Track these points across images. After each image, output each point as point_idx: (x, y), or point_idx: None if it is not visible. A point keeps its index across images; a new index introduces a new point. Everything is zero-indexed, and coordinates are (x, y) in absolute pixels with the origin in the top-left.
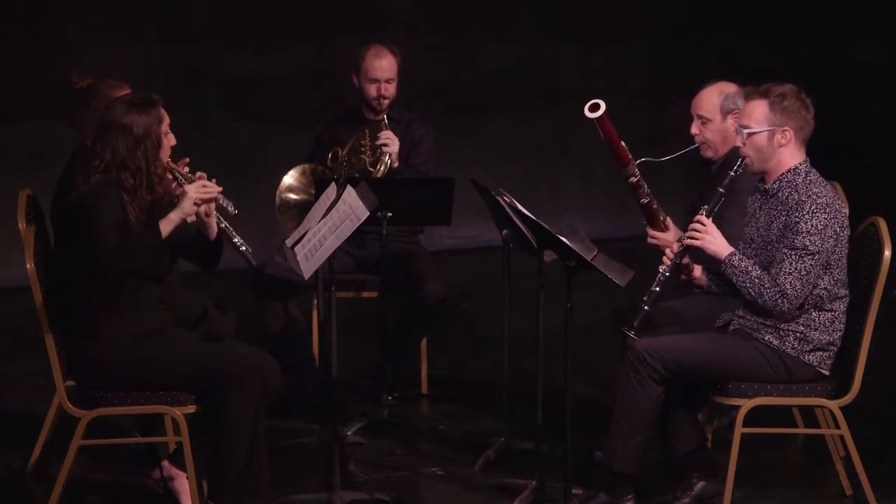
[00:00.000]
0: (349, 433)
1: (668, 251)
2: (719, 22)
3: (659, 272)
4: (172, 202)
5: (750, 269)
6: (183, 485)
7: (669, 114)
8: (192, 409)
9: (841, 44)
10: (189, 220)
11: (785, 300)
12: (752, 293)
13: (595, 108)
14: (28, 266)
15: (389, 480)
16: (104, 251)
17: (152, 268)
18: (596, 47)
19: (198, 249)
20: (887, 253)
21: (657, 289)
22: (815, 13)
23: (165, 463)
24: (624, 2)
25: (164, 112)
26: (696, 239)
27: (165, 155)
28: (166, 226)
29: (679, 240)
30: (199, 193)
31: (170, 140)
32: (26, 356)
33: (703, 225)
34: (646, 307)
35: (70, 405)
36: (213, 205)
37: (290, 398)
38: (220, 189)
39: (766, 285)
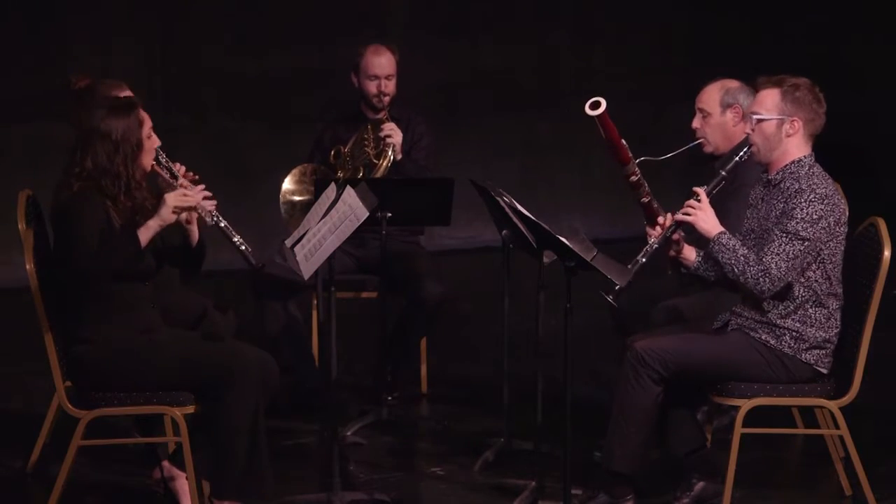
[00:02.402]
0: (349, 433)
1: (659, 220)
2: (719, 22)
3: (647, 243)
4: (156, 206)
5: (738, 247)
6: (183, 485)
7: (669, 114)
8: (191, 409)
9: (841, 44)
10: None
11: (767, 279)
12: (736, 270)
13: (596, 105)
14: (28, 266)
15: (389, 480)
16: (83, 258)
17: (138, 267)
18: (596, 47)
19: (181, 255)
20: (887, 253)
21: (643, 259)
22: (815, 13)
23: (165, 463)
24: (624, 2)
25: (144, 115)
26: (689, 215)
27: (150, 158)
28: (145, 233)
29: (672, 213)
30: (178, 202)
31: (153, 142)
32: (26, 356)
33: (699, 201)
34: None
35: (70, 405)
36: (193, 213)
37: (290, 398)
38: (202, 197)
39: (751, 263)
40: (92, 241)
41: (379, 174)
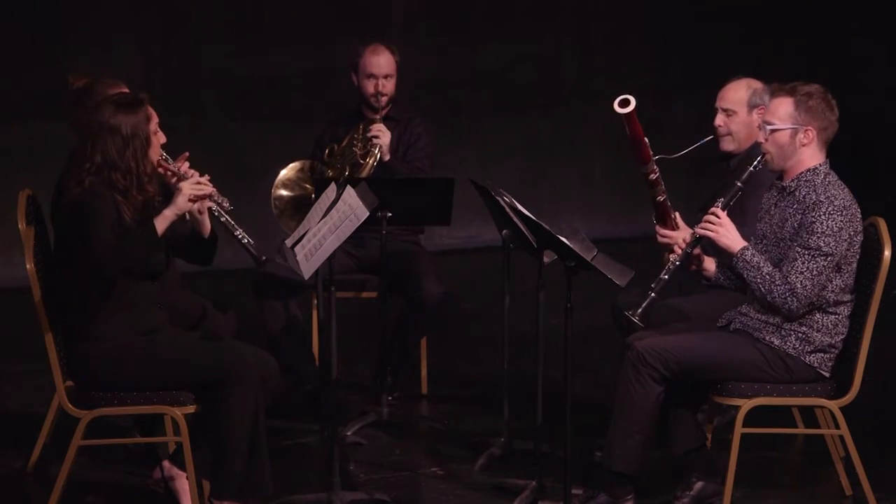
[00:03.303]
0: (349, 433)
1: (679, 241)
2: (719, 22)
3: (670, 261)
4: (165, 201)
5: (762, 265)
6: (183, 485)
7: (669, 114)
8: (191, 409)
9: (841, 44)
10: (188, 216)
11: (794, 299)
12: (762, 289)
13: (625, 103)
14: (28, 266)
15: (389, 480)
16: (102, 250)
17: (149, 264)
18: (596, 47)
19: (192, 248)
20: (887, 253)
21: (665, 277)
22: (815, 13)
23: (165, 463)
24: (624, 2)
25: (151, 110)
26: (710, 231)
27: (156, 153)
28: (161, 222)
29: (692, 230)
30: (194, 190)
31: (159, 138)
32: (26, 356)
33: (718, 217)
34: (652, 294)
35: (70, 405)
36: (206, 203)
37: (290, 398)
38: (213, 189)
39: (777, 282)
40: (109, 236)
41: (364, 174)
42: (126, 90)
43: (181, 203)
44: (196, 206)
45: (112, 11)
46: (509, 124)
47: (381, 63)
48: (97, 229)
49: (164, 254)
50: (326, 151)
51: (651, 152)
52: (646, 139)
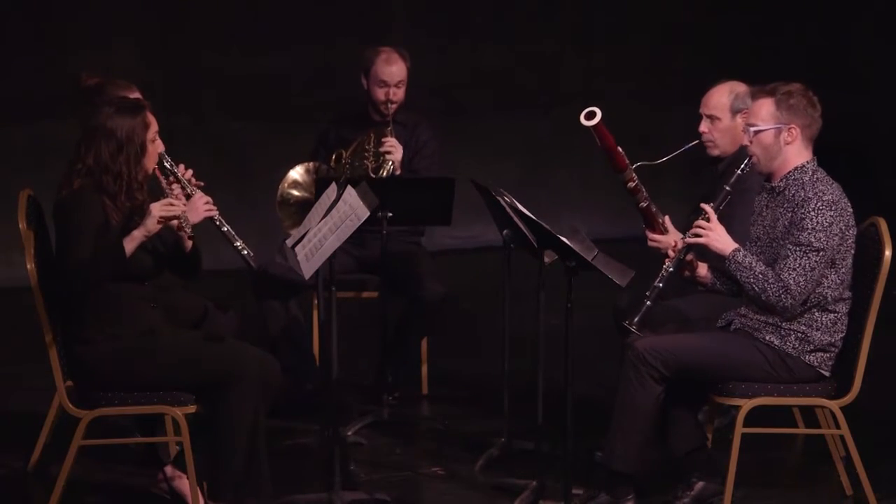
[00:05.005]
0: (349, 433)
1: (669, 245)
2: (719, 21)
3: (663, 268)
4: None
5: (754, 264)
6: (184, 485)
7: (669, 114)
8: (192, 409)
9: (841, 43)
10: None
11: (788, 296)
12: (756, 289)
13: (591, 115)
14: (28, 266)
15: (389, 480)
16: (73, 266)
17: (131, 269)
18: (596, 47)
19: (176, 261)
20: (888, 253)
21: (660, 284)
22: (815, 13)
23: (168, 467)
24: (624, 1)
25: (151, 118)
26: (701, 235)
27: (152, 162)
28: (129, 243)
29: (683, 237)
30: (162, 212)
31: (157, 146)
32: (26, 356)
33: (708, 221)
34: (648, 302)
35: (70, 405)
36: (183, 220)
37: (290, 398)
38: (184, 210)
39: (770, 281)
40: (85, 246)
41: None
42: (138, 94)
43: (150, 225)
44: (175, 223)
45: (112, 11)
46: (509, 124)
47: (394, 72)
48: (75, 239)
49: (151, 259)
50: (333, 157)
51: (627, 161)
52: (619, 148)
